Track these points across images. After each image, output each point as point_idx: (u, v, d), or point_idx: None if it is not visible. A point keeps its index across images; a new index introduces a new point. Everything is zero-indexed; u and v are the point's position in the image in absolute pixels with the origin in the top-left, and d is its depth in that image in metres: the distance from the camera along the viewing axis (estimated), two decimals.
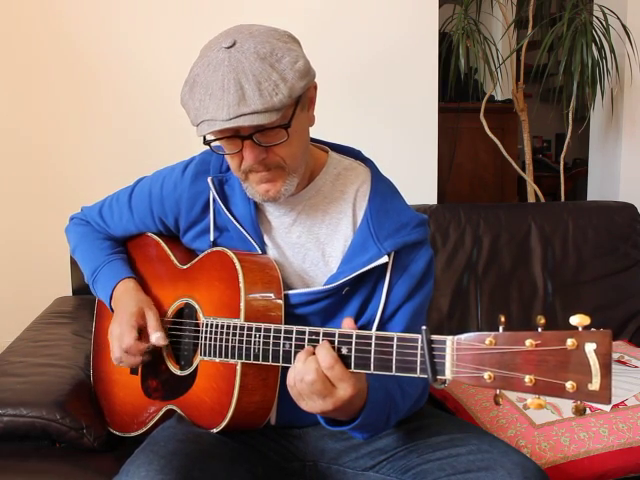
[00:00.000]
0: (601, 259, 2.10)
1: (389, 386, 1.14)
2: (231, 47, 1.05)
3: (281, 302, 1.18)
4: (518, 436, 1.47)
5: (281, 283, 1.20)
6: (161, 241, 1.37)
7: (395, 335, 0.96)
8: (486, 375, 0.84)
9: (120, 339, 1.23)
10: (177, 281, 1.30)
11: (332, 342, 1.01)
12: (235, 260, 1.18)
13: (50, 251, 2.21)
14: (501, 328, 0.85)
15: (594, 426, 1.48)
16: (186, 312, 1.26)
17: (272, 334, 1.08)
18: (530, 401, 0.82)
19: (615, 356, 1.82)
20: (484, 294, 2.04)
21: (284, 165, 1.13)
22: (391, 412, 1.14)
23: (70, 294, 2.05)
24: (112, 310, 1.32)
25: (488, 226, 2.08)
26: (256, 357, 1.10)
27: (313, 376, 0.98)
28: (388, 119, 2.34)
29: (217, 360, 1.16)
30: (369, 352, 0.98)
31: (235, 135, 1.08)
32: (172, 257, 1.33)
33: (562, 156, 2.69)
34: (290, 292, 1.21)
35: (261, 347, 1.09)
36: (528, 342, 0.81)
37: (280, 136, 1.09)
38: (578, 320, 0.78)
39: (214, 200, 1.26)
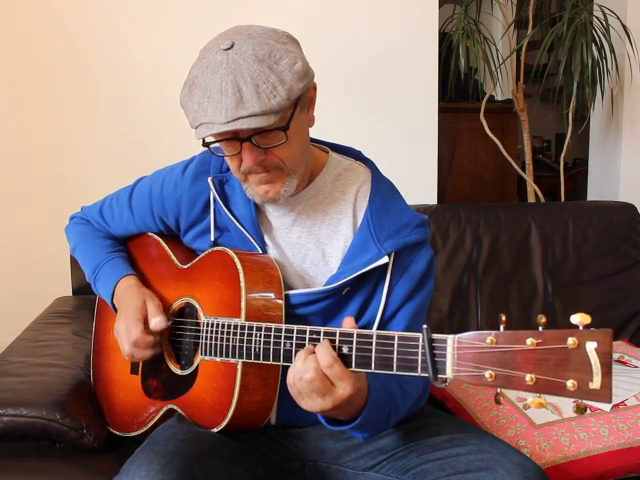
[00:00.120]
0: (601, 259, 2.10)
1: (389, 386, 1.14)
2: (229, 49, 1.05)
3: (282, 302, 1.18)
4: (518, 436, 1.47)
5: (282, 283, 1.20)
6: (162, 241, 1.37)
7: (396, 334, 0.96)
8: (487, 374, 0.84)
9: (128, 333, 1.23)
10: (178, 281, 1.30)
11: (333, 341, 1.01)
12: (236, 260, 1.18)
13: (50, 251, 2.21)
14: (502, 327, 0.85)
15: (594, 426, 1.48)
16: (187, 311, 1.26)
17: (273, 333, 1.08)
18: (531, 400, 0.82)
19: (615, 356, 1.82)
20: (484, 294, 2.04)
21: (283, 166, 1.13)
22: (391, 412, 1.14)
23: (70, 294, 2.05)
24: (114, 308, 1.32)
25: (488, 226, 2.08)
26: (257, 356, 1.10)
27: (312, 374, 0.98)
28: (388, 119, 2.34)
29: (218, 359, 1.16)
30: (370, 351, 0.98)
31: (234, 137, 1.08)
32: (173, 257, 1.33)
33: (562, 156, 2.69)
34: (290, 292, 1.21)
35: (262, 346, 1.09)
36: (529, 341, 0.81)
37: (279, 138, 1.09)
38: (579, 319, 0.78)
39: (214, 200, 1.27)
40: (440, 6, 2.37)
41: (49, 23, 2.17)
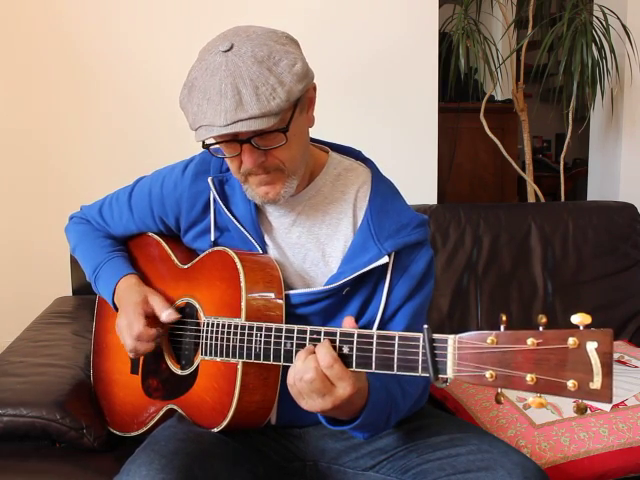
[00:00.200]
0: (601, 259, 2.10)
1: (390, 386, 1.14)
2: (228, 51, 1.05)
3: (282, 302, 1.18)
4: (518, 436, 1.47)
5: (282, 283, 1.20)
6: (162, 241, 1.37)
7: (397, 334, 0.96)
8: (488, 374, 0.84)
9: (130, 328, 1.23)
10: (178, 281, 1.30)
11: (333, 341, 1.01)
12: (236, 259, 1.18)
13: (50, 251, 2.21)
14: (502, 327, 0.85)
15: (594, 426, 1.48)
16: (187, 311, 1.26)
17: (273, 333, 1.08)
18: (531, 400, 0.82)
19: (615, 356, 1.82)
20: (484, 294, 2.04)
21: (283, 168, 1.13)
22: (392, 412, 1.14)
23: (70, 294, 2.05)
24: (115, 307, 1.32)
25: (488, 226, 2.08)
26: (257, 356, 1.10)
27: (312, 374, 0.99)
28: (388, 119, 2.34)
29: (218, 359, 1.16)
30: (370, 351, 0.98)
31: (234, 139, 1.08)
32: (173, 257, 1.33)
33: (562, 156, 2.69)
34: (291, 292, 1.21)
35: (262, 346, 1.09)
36: (529, 341, 0.81)
37: (279, 140, 1.09)
38: (579, 319, 0.78)
39: (214, 200, 1.26)
40: (440, 6, 2.37)
41: (49, 23, 2.17)
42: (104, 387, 1.43)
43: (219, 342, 1.16)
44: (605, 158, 2.80)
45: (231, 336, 1.14)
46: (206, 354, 1.18)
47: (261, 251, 1.24)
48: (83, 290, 1.92)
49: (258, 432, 1.25)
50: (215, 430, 1.16)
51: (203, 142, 1.10)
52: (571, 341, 0.79)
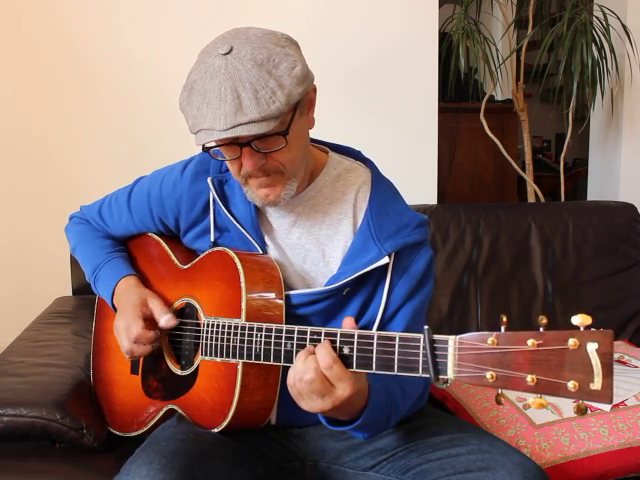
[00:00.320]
0: (601, 259, 2.10)
1: (390, 386, 1.15)
2: (228, 53, 1.04)
3: (282, 302, 1.18)
4: (518, 436, 1.47)
5: (282, 283, 1.20)
6: (162, 241, 1.37)
7: (397, 335, 0.96)
8: (488, 375, 0.84)
9: (127, 330, 1.23)
10: (178, 281, 1.30)
11: (334, 342, 1.01)
12: (236, 260, 1.18)
13: (50, 251, 2.21)
14: (503, 328, 0.85)
15: (594, 426, 1.48)
16: (187, 312, 1.26)
17: (273, 334, 1.08)
18: (532, 400, 0.82)
19: (615, 356, 1.82)
20: (484, 294, 2.04)
21: (283, 170, 1.13)
22: (392, 412, 1.14)
23: (70, 294, 2.05)
24: (114, 308, 1.32)
25: (488, 226, 2.08)
26: (257, 357, 1.10)
27: (312, 375, 0.99)
28: (388, 119, 2.34)
29: (218, 360, 1.16)
30: (371, 352, 0.98)
31: (234, 142, 1.08)
32: (173, 257, 1.33)
33: (562, 156, 2.69)
34: (291, 292, 1.21)
35: (262, 347, 1.09)
36: (530, 342, 0.81)
37: (279, 142, 1.08)
38: (579, 320, 0.78)
39: (214, 201, 1.26)
40: (440, 6, 2.37)
41: (49, 23, 2.17)
42: (104, 387, 1.42)
43: (219, 342, 1.16)
44: (605, 158, 2.80)
45: (231, 336, 1.14)
46: (206, 354, 1.18)
47: (261, 251, 1.24)
48: (83, 290, 1.92)
49: (258, 432, 1.25)
50: (215, 430, 1.16)
51: (203, 145, 1.09)
52: (571, 342, 0.79)
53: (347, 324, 1.03)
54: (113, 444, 1.38)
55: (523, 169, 2.78)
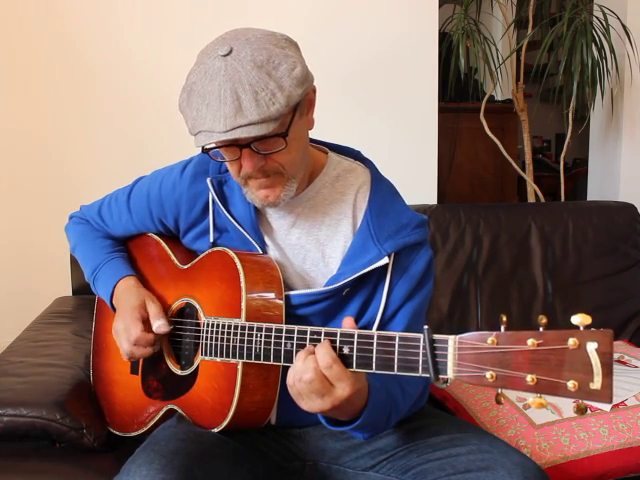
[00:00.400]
0: (601, 259, 2.10)
1: (390, 386, 1.15)
2: (227, 55, 1.04)
3: (282, 302, 1.18)
4: (518, 436, 1.47)
5: (282, 283, 1.20)
6: (162, 241, 1.37)
7: (397, 334, 0.96)
8: (488, 374, 0.84)
9: (127, 332, 1.23)
10: (178, 281, 1.30)
11: (334, 342, 1.01)
12: (236, 260, 1.18)
13: (50, 251, 2.21)
14: (502, 328, 0.85)
15: (594, 426, 1.48)
16: (187, 312, 1.26)
17: (273, 334, 1.08)
18: (532, 400, 0.82)
19: (615, 356, 1.82)
20: (484, 294, 2.04)
21: (283, 171, 1.13)
22: (392, 412, 1.14)
23: (70, 294, 2.05)
24: (113, 308, 1.32)
25: (488, 226, 2.08)
26: (257, 357, 1.10)
27: (311, 375, 0.99)
28: (388, 119, 2.34)
29: (218, 360, 1.16)
30: (371, 352, 0.98)
31: (233, 144, 1.07)
32: (173, 257, 1.33)
33: (562, 156, 2.69)
34: (291, 293, 1.21)
35: (262, 347, 1.09)
36: (530, 341, 0.81)
37: (278, 144, 1.08)
38: (579, 319, 0.78)
39: (213, 201, 1.26)
40: (440, 6, 2.37)
41: (49, 23, 2.17)
42: (104, 387, 1.42)
43: (219, 342, 1.16)
44: (605, 158, 2.80)
45: (231, 336, 1.14)
46: (206, 354, 1.18)
47: (261, 252, 1.24)
48: (83, 290, 1.92)
49: (258, 432, 1.25)
50: (215, 430, 1.16)
51: (202, 146, 1.09)
52: (571, 342, 0.79)
53: (347, 324, 1.03)
54: (113, 444, 1.38)
55: (523, 169, 2.78)
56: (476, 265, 2.06)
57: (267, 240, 1.26)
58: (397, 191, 1.29)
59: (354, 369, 1.00)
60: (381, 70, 2.30)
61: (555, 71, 2.60)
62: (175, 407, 1.24)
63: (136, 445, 1.12)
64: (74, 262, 1.89)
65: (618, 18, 2.44)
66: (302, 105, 1.12)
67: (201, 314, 1.22)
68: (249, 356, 1.11)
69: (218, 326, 1.16)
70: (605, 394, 0.77)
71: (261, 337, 1.09)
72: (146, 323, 1.24)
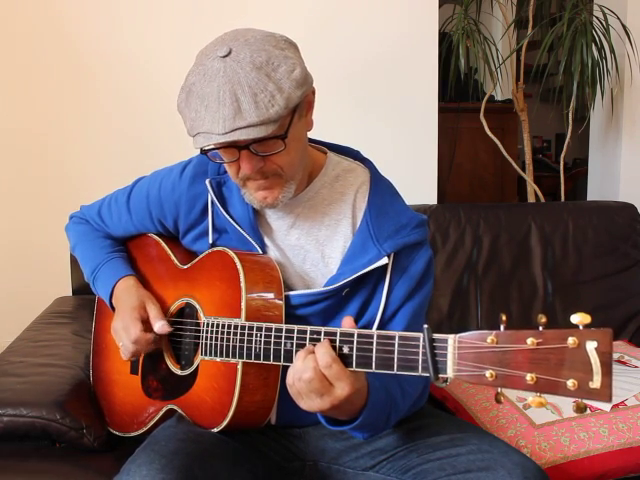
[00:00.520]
0: (601, 259, 2.10)
1: (389, 386, 1.14)
2: (227, 56, 1.04)
3: (282, 302, 1.18)
4: (518, 436, 1.47)
5: (282, 283, 1.20)
6: (161, 241, 1.37)
7: (397, 334, 0.96)
8: (487, 373, 0.84)
9: (126, 331, 1.23)
10: (178, 281, 1.30)
11: (333, 341, 1.01)
12: (236, 260, 1.18)
13: (50, 251, 2.21)
14: (502, 327, 0.85)
15: (594, 426, 1.48)
16: (187, 312, 1.26)
17: (273, 333, 1.08)
18: (531, 399, 0.82)
19: (615, 356, 1.82)
20: (484, 294, 2.04)
21: (281, 173, 1.13)
22: (391, 412, 1.14)
23: (70, 294, 2.05)
24: (112, 308, 1.32)
25: (488, 226, 2.08)
26: (257, 356, 1.10)
27: (311, 374, 0.99)
28: (388, 119, 2.34)
29: (218, 359, 1.16)
30: (371, 351, 0.98)
31: (232, 145, 1.07)
32: (172, 257, 1.33)
33: (562, 156, 2.69)
34: (291, 293, 1.21)
35: (262, 346, 1.09)
36: (529, 340, 0.81)
37: (277, 146, 1.08)
38: (579, 318, 0.78)
39: (212, 202, 1.26)
40: (440, 6, 2.37)
41: (49, 23, 2.17)
42: (104, 387, 1.42)
43: (219, 342, 1.16)
44: (605, 158, 2.80)
45: (231, 336, 1.14)
46: (206, 354, 1.18)
47: (261, 252, 1.24)
48: (83, 290, 1.92)
49: (258, 432, 1.25)
50: (215, 430, 1.16)
51: (201, 147, 1.09)
52: (571, 340, 0.79)
53: (346, 324, 1.03)
54: (113, 444, 1.38)
55: (523, 169, 2.78)
56: (476, 265, 2.06)
57: (267, 241, 1.26)
58: (397, 191, 1.29)
59: (354, 368, 0.99)
60: (381, 70, 2.30)
61: (555, 71, 2.60)
62: (175, 407, 1.24)
63: (136, 445, 1.12)
64: (74, 262, 1.89)
65: (618, 18, 2.44)
66: (301, 107, 1.11)
67: (201, 314, 1.22)
68: (249, 356, 1.11)
69: (218, 326, 1.16)
70: (604, 393, 0.77)
71: (261, 337, 1.09)
72: (145, 323, 1.24)
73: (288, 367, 1.04)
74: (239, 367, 1.13)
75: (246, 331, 1.11)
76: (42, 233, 2.23)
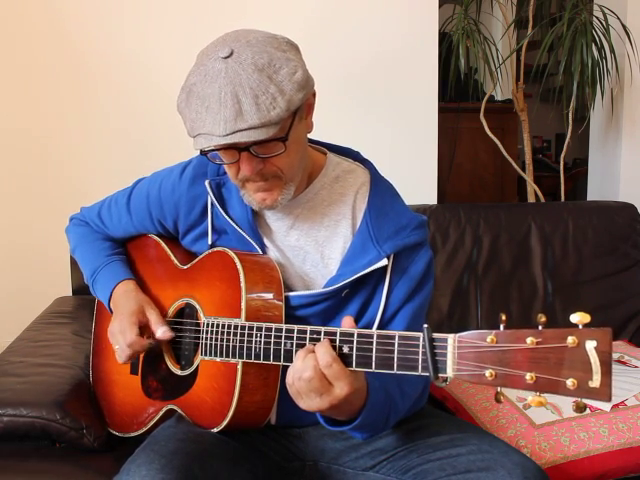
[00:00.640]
0: (601, 259, 2.10)
1: (389, 386, 1.14)
2: (228, 57, 1.04)
3: (281, 303, 1.18)
4: (518, 436, 1.47)
5: (282, 283, 1.20)
6: (161, 241, 1.37)
7: (397, 333, 0.96)
8: (487, 373, 0.84)
9: (123, 335, 1.23)
10: (178, 281, 1.30)
11: (333, 341, 1.01)
12: (236, 260, 1.18)
13: (50, 251, 2.21)
14: (502, 326, 0.85)
15: (594, 426, 1.48)
16: (187, 312, 1.26)
17: (273, 333, 1.08)
18: (531, 399, 0.82)
19: (615, 356, 1.82)
20: (484, 294, 2.04)
21: (281, 175, 1.13)
22: (391, 412, 1.14)
23: (70, 294, 2.05)
24: (111, 311, 1.32)
25: (488, 226, 2.08)
26: (257, 356, 1.10)
27: (310, 373, 0.99)
28: (388, 119, 2.34)
29: (218, 359, 1.16)
30: (370, 350, 0.98)
31: (232, 147, 1.07)
32: (172, 257, 1.33)
33: (562, 156, 2.69)
34: (290, 294, 1.21)
35: (262, 346, 1.09)
36: (529, 340, 0.81)
37: (277, 148, 1.08)
38: (578, 318, 0.78)
39: (212, 204, 1.26)
40: (440, 6, 2.37)
41: (49, 23, 2.17)
42: (104, 387, 1.42)
43: (219, 342, 1.16)
44: (605, 158, 2.80)
45: (231, 336, 1.13)
46: (206, 354, 1.18)
47: (261, 252, 1.24)
48: (83, 290, 1.92)
49: (258, 432, 1.25)
50: (215, 430, 1.16)
51: (201, 148, 1.09)
52: (570, 340, 0.79)
53: (346, 324, 1.03)
54: (113, 444, 1.38)
55: (523, 169, 2.78)
56: (476, 265, 2.05)
57: (266, 241, 1.26)
58: (397, 192, 1.29)
59: (354, 368, 1.00)
60: (381, 70, 2.30)
61: (555, 71, 2.60)
62: (175, 407, 1.24)
63: (136, 445, 1.12)
64: (74, 262, 1.88)
65: (618, 18, 2.44)
66: (302, 109, 1.11)
67: (201, 314, 1.22)
68: (249, 356, 1.11)
69: (218, 326, 1.16)
70: (604, 392, 0.77)
71: (261, 337, 1.09)
72: (142, 328, 1.24)
73: (288, 367, 1.04)
74: (239, 367, 1.13)
75: (246, 331, 1.11)
76: (42, 233, 2.24)
